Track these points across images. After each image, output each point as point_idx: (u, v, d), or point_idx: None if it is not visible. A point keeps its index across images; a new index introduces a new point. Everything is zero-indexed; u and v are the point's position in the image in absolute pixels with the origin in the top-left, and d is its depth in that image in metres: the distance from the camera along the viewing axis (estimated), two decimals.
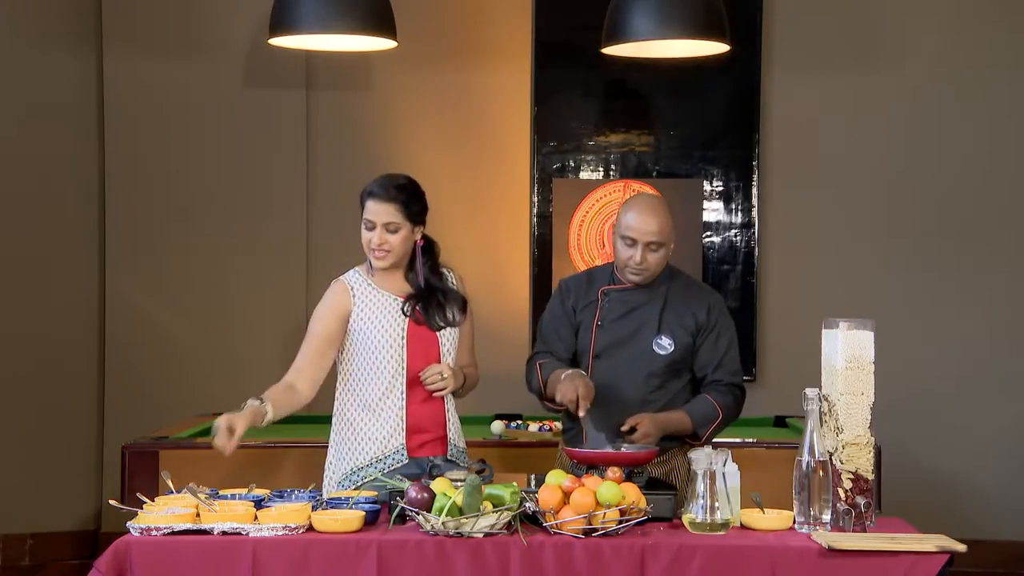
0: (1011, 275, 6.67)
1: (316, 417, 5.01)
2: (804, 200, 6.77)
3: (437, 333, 4.03)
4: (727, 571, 3.32)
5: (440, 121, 6.81)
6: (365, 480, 3.91)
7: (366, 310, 3.98)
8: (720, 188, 6.74)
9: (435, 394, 3.99)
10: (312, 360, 3.98)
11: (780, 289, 6.75)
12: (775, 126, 6.75)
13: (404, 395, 3.98)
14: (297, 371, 3.99)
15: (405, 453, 3.96)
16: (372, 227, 3.96)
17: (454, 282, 4.12)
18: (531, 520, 3.45)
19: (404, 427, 3.97)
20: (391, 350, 3.97)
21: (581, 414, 3.91)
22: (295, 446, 4.98)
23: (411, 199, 3.99)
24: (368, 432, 3.97)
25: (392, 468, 3.93)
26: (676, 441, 4.12)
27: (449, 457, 4.04)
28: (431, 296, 4.03)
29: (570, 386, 3.94)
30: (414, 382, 3.99)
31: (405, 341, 3.98)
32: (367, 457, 3.96)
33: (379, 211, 3.95)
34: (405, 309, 4.00)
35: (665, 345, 4.11)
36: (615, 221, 4.12)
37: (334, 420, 4.06)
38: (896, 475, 5.40)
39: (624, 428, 3.94)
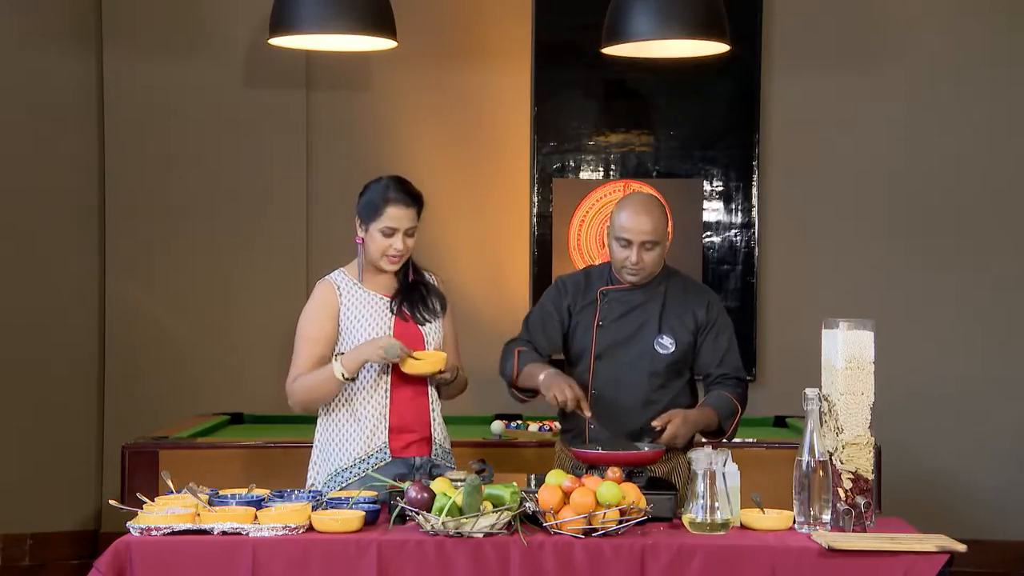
0: (1011, 275, 6.67)
1: (316, 418, 5.01)
2: (804, 200, 6.78)
3: (422, 328, 4.03)
4: (727, 571, 3.32)
5: (440, 121, 6.81)
6: (350, 481, 3.91)
7: (353, 309, 3.98)
8: (720, 188, 6.74)
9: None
10: (316, 364, 3.97)
11: (780, 289, 6.75)
12: (775, 126, 6.76)
13: (388, 394, 3.98)
14: (300, 377, 3.97)
15: (388, 452, 3.95)
16: (392, 233, 3.95)
17: (436, 283, 4.14)
18: (531, 520, 3.45)
19: (387, 426, 3.96)
20: None
21: (588, 415, 3.91)
22: (295, 446, 4.98)
23: (422, 201, 4.03)
24: (352, 433, 3.97)
25: (375, 467, 3.92)
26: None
27: (434, 459, 4.02)
28: (414, 291, 4.05)
29: (564, 387, 3.91)
30: (398, 382, 3.98)
31: None
32: (351, 458, 3.96)
33: (403, 217, 3.95)
34: (393, 307, 4.00)
35: (666, 344, 4.10)
36: (609, 222, 4.12)
37: (320, 419, 4.05)
38: (896, 475, 5.40)
39: (656, 425, 3.90)
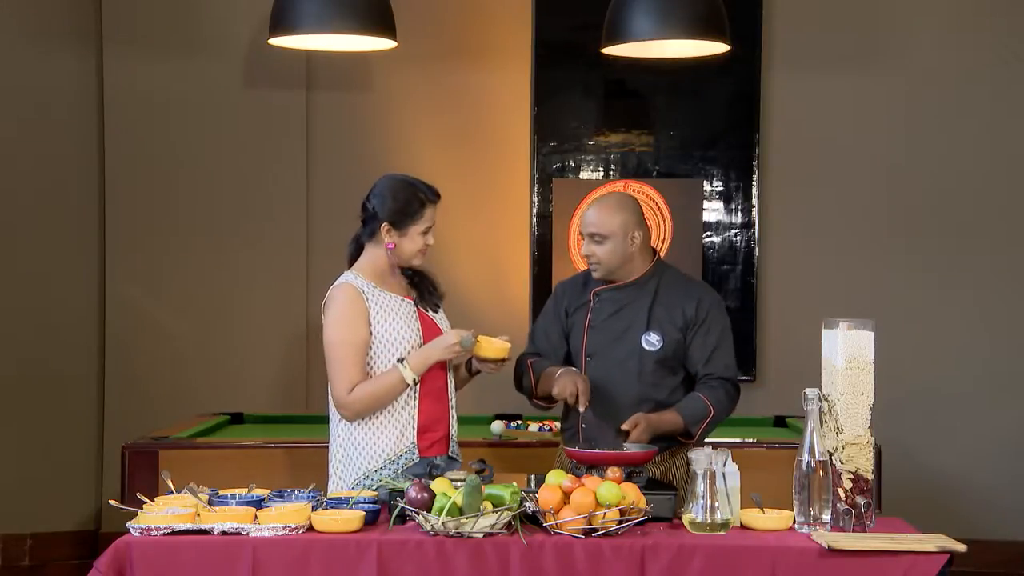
0: (1011, 275, 6.67)
1: (316, 417, 5.01)
2: (804, 200, 6.78)
3: (435, 317, 4.05)
4: (727, 571, 3.32)
5: (440, 121, 6.81)
6: (380, 484, 3.84)
7: (381, 313, 3.95)
8: (720, 188, 6.74)
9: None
10: (365, 370, 3.91)
11: (780, 289, 6.75)
12: (775, 126, 6.75)
13: (417, 394, 3.96)
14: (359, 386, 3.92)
15: (416, 452, 3.94)
16: (428, 230, 4.00)
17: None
18: (531, 520, 3.45)
19: (416, 425, 3.95)
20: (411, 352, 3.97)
21: (581, 409, 3.92)
22: (295, 446, 4.98)
23: None
24: (381, 434, 3.93)
25: (404, 467, 3.91)
26: (670, 440, 4.11)
27: (451, 454, 4.04)
28: (423, 281, 4.08)
29: (568, 382, 3.95)
30: (425, 381, 3.96)
31: (422, 342, 3.97)
32: (380, 460, 3.92)
33: (434, 212, 4.01)
34: (417, 307, 4.01)
35: (653, 341, 4.10)
36: None
37: (339, 423, 3.99)
38: (896, 475, 5.40)
39: (625, 427, 3.93)
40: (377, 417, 3.93)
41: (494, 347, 3.94)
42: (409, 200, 3.96)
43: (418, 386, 3.95)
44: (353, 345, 3.90)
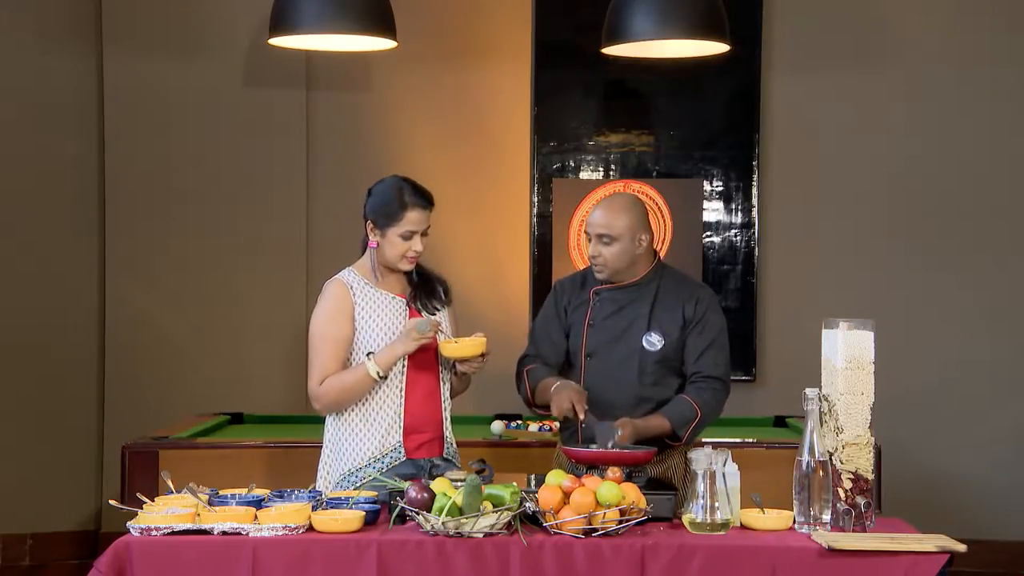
0: (1011, 275, 6.67)
1: (316, 417, 5.00)
2: (804, 200, 6.78)
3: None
4: (727, 571, 3.32)
5: (440, 121, 6.82)
6: (364, 481, 3.89)
7: (368, 309, 3.97)
8: (720, 188, 6.74)
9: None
10: (340, 365, 3.94)
11: (780, 289, 6.75)
12: (775, 126, 6.76)
13: (403, 394, 3.97)
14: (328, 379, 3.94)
15: (402, 451, 3.95)
16: (411, 236, 3.95)
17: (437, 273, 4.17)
18: (531, 520, 3.45)
19: (401, 425, 3.96)
20: None
21: (581, 417, 3.91)
22: (295, 446, 4.98)
23: (433, 200, 4.03)
24: (365, 432, 3.95)
25: (389, 467, 3.92)
26: (659, 443, 4.08)
27: (446, 456, 4.04)
28: (424, 284, 4.06)
29: (564, 398, 3.93)
30: (413, 381, 3.98)
31: None
32: (365, 457, 3.94)
33: (421, 220, 3.95)
34: (409, 306, 4.00)
35: (654, 341, 4.09)
36: None
37: (330, 419, 4.03)
38: (896, 475, 5.40)
39: None
40: (362, 414, 3.95)
41: (459, 348, 3.88)
42: (389, 201, 3.95)
43: (404, 386, 3.96)
44: (332, 340, 3.93)
